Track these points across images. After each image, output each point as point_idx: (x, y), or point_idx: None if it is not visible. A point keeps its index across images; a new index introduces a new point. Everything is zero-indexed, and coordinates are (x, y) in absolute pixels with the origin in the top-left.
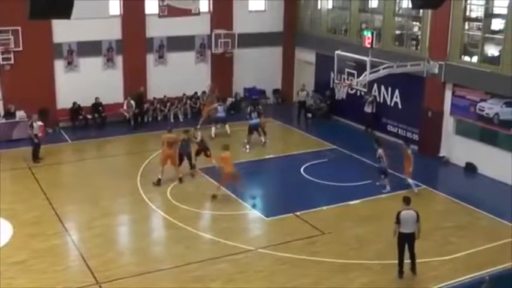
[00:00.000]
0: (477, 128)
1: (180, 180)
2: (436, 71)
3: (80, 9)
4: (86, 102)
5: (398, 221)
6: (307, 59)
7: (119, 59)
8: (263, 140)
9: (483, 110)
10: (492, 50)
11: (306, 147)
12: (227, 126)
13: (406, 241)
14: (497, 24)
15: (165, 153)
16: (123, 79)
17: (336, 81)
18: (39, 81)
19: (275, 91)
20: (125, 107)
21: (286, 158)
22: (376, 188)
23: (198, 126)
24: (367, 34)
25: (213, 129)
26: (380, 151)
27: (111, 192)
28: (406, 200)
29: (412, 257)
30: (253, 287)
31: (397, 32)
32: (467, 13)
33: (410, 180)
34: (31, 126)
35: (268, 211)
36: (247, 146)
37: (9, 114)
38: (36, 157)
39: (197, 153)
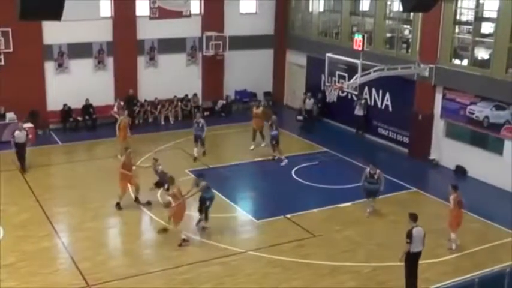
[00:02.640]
0: (467, 131)
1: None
2: (427, 74)
3: (71, 10)
4: (77, 104)
5: (411, 240)
6: (298, 62)
7: (109, 61)
8: (272, 151)
9: (473, 113)
10: (482, 54)
11: (296, 150)
12: (203, 148)
13: (416, 261)
14: (487, 27)
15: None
16: (113, 81)
17: (326, 84)
18: (29, 82)
19: (266, 94)
20: (115, 109)
21: (277, 161)
22: None
23: (119, 156)
24: (358, 37)
25: (195, 149)
26: (379, 171)
27: (102, 195)
28: (414, 217)
29: (416, 278)
30: None
31: (388, 35)
32: (458, 16)
33: (453, 235)
34: (12, 135)
35: (258, 213)
36: (281, 157)
37: None
38: (23, 164)
39: (157, 185)
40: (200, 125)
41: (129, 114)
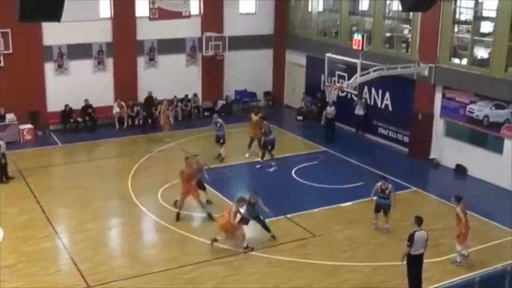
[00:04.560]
0: (467, 130)
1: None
2: (426, 73)
3: (70, 11)
4: (77, 105)
5: (412, 243)
6: (298, 62)
7: (109, 62)
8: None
9: (473, 112)
10: (481, 53)
11: (296, 150)
12: (223, 149)
13: (418, 263)
14: (486, 27)
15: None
16: (113, 82)
17: (326, 83)
18: (29, 84)
19: (266, 94)
20: (117, 109)
21: (277, 161)
22: (366, 190)
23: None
24: (358, 37)
25: (217, 148)
26: (390, 186)
27: (102, 195)
28: (419, 221)
29: (420, 283)
30: None
31: (388, 34)
32: (457, 16)
33: (458, 247)
34: None
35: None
36: (271, 163)
37: None
38: (2, 177)
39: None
40: (218, 125)
41: (148, 115)
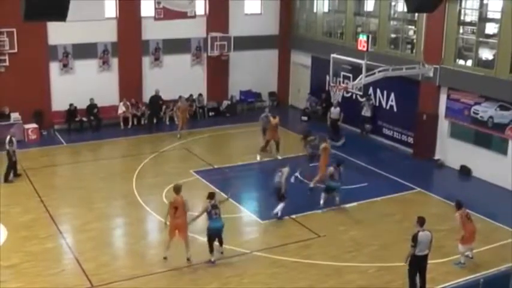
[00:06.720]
0: (471, 131)
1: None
2: (431, 74)
3: (76, 11)
4: (82, 104)
5: (415, 244)
6: (303, 62)
7: (114, 62)
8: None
9: (477, 113)
10: (486, 54)
11: (301, 150)
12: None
13: (420, 264)
14: (491, 28)
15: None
16: (118, 81)
17: (331, 84)
18: (34, 83)
19: (271, 94)
20: (123, 109)
21: (281, 161)
22: (370, 191)
23: (178, 136)
24: (363, 38)
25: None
26: (339, 169)
27: (106, 195)
28: (421, 221)
29: (424, 284)
30: None
31: (393, 35)
32: (462, 17)
33: (460, 248)
34: (10, 142)
35: (263, 214)
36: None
37: (3, 116)
38: (8, 176)
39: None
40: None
41: (154, 114)
